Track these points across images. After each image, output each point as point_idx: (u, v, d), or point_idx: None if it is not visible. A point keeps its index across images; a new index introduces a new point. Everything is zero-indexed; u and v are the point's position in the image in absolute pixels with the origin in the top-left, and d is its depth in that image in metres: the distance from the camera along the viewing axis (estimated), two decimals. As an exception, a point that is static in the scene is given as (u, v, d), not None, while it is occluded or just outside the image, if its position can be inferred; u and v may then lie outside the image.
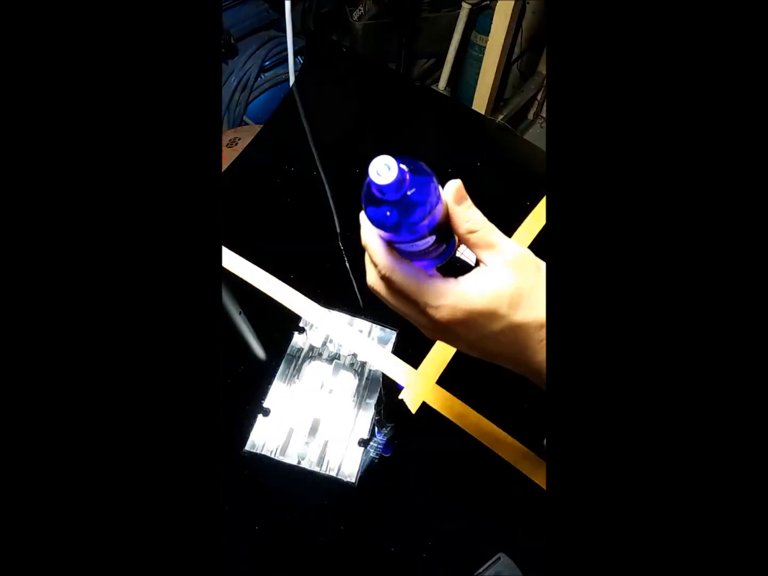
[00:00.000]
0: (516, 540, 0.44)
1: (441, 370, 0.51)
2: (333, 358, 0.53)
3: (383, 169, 0.22)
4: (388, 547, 0.44)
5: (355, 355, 0.53)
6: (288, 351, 0.53)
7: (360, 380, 0.52)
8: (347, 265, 0.58)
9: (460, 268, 0.28)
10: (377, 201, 0.24)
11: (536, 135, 1.85)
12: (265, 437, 0.48)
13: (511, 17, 1.06)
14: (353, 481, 0.46)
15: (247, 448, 0.47)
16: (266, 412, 0.49)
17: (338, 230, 0.61)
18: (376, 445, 0.48)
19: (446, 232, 0.27)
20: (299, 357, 0.53)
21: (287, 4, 0.73)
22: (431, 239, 0.26)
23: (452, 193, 0.26)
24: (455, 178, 0.26)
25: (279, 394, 0.50)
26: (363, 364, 0.52)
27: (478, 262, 0.27)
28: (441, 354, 0.51)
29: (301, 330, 0.54)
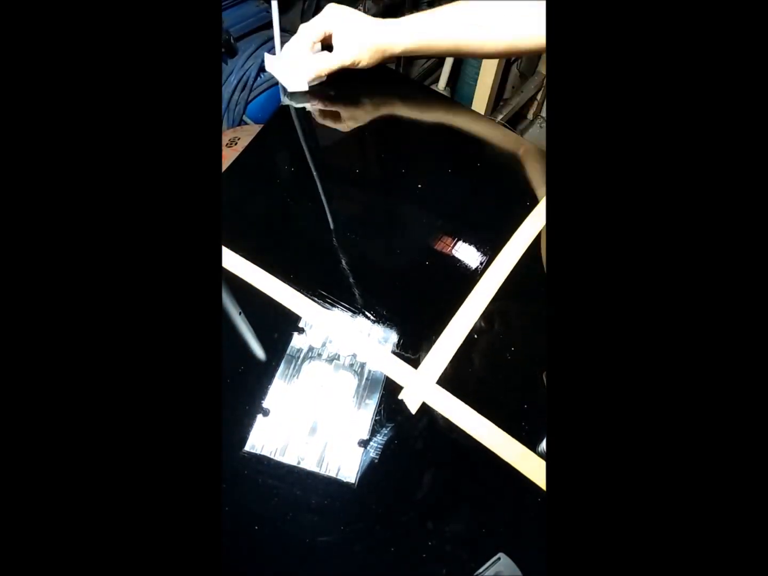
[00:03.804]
0: (516, 540, 0.44)
1: (441, 370, 0.51)
2: (333, 358, 0.53)
3: None
4: (388, 547, 0.44)
5: (354, 355, 0.53)
6: (288, 351, 0.53)
7: (360, 380, 0.52)
8: (347, 264, 0.58)
9: None
10: None
11: (536, 135, 1.86)
12: (265, 437, 0.48)
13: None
14: (353, 481, 0.46)
15: (247, 448, 0.47)
16: (266, 412, 0.49)
17: (338, 230, 0.61)
18: (376, 445, 0.48)
19: None
20: (299, 357, 0.53)
21: (274, 4, 0.72)
22: None
23: None
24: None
25: (279, 394, 0.50)
26: (363, 364, 0.52)
27: None
28: (441, 354, 0.51)
29: (301, 330, 0.54)
